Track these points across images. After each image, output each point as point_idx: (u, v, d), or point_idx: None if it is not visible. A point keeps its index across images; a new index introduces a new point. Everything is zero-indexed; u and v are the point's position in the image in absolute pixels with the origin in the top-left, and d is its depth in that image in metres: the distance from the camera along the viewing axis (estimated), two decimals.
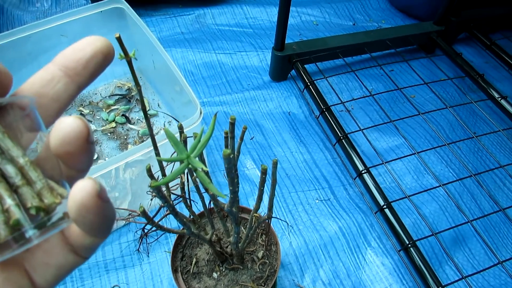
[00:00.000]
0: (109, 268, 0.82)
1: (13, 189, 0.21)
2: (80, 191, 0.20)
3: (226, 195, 0.38)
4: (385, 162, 0.92)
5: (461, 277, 0.77)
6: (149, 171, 0.47)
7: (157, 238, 0.85)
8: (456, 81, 1.19)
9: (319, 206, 0.93)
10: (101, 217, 0.21)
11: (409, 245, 0.79)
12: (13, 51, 0.89)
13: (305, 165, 1.00)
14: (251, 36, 1.33)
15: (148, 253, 0.84)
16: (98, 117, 1.06)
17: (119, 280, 0.81)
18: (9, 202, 0.21)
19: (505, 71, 1.23)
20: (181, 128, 0.52)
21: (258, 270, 0.69)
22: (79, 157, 0.22)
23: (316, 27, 1.39)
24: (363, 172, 0.89)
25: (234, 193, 0.45)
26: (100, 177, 0.72)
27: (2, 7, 1.34)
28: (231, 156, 0.35)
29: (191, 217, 0.65)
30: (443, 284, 0.75)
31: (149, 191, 0.67)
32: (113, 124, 1.03)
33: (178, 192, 0.61)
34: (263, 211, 0.57)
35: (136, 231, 0.86)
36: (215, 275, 0.69)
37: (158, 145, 0.51)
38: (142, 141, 1.00)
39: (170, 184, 0.60)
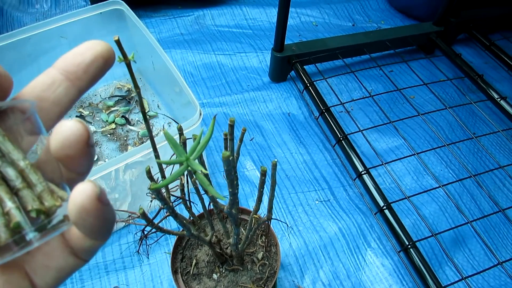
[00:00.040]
0: (109, 270, 0.82)
1: (14, 192, 0.21)
2: (80, 194, 0.20)
3: (225, 196, 0.38)
4: (385, 163, 0.92)
5: (461, 278, 0.78)
6: (148, 173, 0.47)
7: (157, 240, 0.85)
8: (455, 82, 1.19)
9: (319, 207, 0.93)
10: (101, 220, 0.21)
11: (409, 246, 0.79)
12: (13, 53, 0.89)
13: (304, 166, 1.00)
14: (250, 37, 1.33)
15: (148, 255, 0.84)
16: (98, 119, 1.06)
17: (119, 281, 0.81)
18: (9, 205, 0.21)
19: (504, 72, 1.23)
20: (180, 130, 0.52)
21: (258, 271, 0.69)
22: (80, 160, 0.22)
23: (315, 28, 1.39)
24: (362, 173, 0.89)
25: (234, 194, 0.45)
26: (100, 179, 0.72)
27: (2, 8, 1.34)
28: (230, 158, 0.35)
29: (191, 218, 0.65)
30: (443, 285, 0.75)
31: (149, 193, 0.67)
32: (113, 126, 1.03)
33: (178, 193, 0.61)
34: (263, 212, 0.57)
35: (136, 233, 0.86)
36: (215, 276, 0.69)
37: (157, 146, 0.51)
38: (142, 143, 1.00)
39: (170, 186, 0.60)
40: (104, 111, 1.07)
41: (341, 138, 0.95)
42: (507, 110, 1.04)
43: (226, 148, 0.50)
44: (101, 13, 0.95)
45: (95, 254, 0.24)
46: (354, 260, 0.85)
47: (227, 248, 0.70)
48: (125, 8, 0.95)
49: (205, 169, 0.31)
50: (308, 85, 1.06)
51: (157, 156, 0.50)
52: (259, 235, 0.73)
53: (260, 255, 0.71)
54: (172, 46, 1.28)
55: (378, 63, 1.18)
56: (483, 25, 1.28)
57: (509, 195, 0.97)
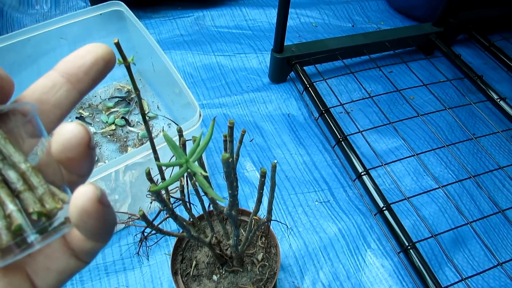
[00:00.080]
0: (109, 271, 0.82)
1: (15, 195, 0.21)
2: (81, 196, 0.20)
3: (225, 198, 0.38)
4: (385, 164, 0.92)
5: (460, 278, 0.78)
6: (148, 174, 0.47)
7: (157, 241, 0.85)
8: (455, 83, 1.19)
9: (319, 208, 0.93)
10: (102, 222, 0.21)
11: (409, 247, 0.79)
12: (13, 54, 0.89)
13: (304, 167, 1.00)
14: (250, 38, 1.33)
15: (148, 256, 0.84)
16: (98, 120, 1.06)
17: (119, 282, 0.81)
18: (11, 207, 0.21)
19: (504, 72, 1.24)
20: (180, 132, 0.52)
21: (258, 272, 0.69)
22: (80, 162, 0.22)
23: (315, 29, 1.39)
24: (362, 174, 0.89)
25: (233, 196, 0.45)
26: (100, 180, 0.72)
27: (2, 9, 1.34)
28: (230, 160, 0.35)
29: (191, 220, 0.65)
30: (442, 286, 0.75)
31: (149, 194, 0.67)
32: (113, 127, 1.04)
33: (178, 195, 0.61)
34: (262, 213, 0.57)
35: (136, 234, 0.86)
36: (215, 277, 0.69)
37: (157, 148, 0.51)
38: (142, 144, 1.01)
39: (170, 187, 0.60)
40: (104, 112, 1.07)
41: (340, 139, 0.95)
42: (506, 110, 1.04)
43: (225, 150, 0.50)
44: (101, 14, 0.95)
45: (96, 256, 0.24)
46: (354, 261, 0.86)
47: (227, 249, 0.70)
48: (125, 9, 0.95)
49: (205, 171, 0.31)
50: (308, 86, 1.06)
51: (156, 158, 0.50)
52: (259, 236, 0.73)
53: (260, 256, 0.71)
54: (172, 47, 1.28)
55: (377, 64, 1.18)
56: (482, 25, 1.28)
57: (508, 195, 0.97)
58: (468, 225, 0.84)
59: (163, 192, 0.57)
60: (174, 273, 0.69)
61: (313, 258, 0.86)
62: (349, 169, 0.97)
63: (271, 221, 0.67)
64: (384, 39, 1.20)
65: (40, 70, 0.96)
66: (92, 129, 1.03)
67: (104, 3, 0.95)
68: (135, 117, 1.07)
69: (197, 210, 0.68)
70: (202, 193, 0.59)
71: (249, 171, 0.99)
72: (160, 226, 0.54)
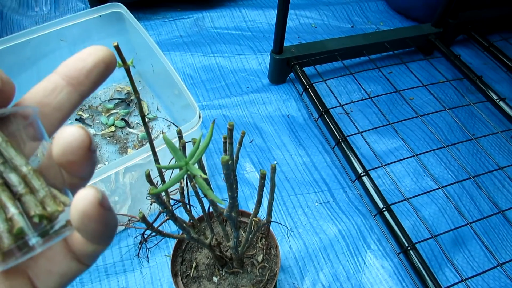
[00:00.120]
0: (109, 273, 0.82)
1: (17, 198, 0.21)
2: (83, 199, 0.20)
3: (225, 200, 0.38)
4: (384, 165, 0.92)
5: (460, 279, 0.78)
6: (148, 176, 0.47)
7: (157, 243, 0.85)
8: (454, 83, 1.19)
9: (319, 209, 0.93)
10: (103, 225, 0.21)
11: (409, 248, 0.79)
12: (12, 56, 0.89)
13: (304, 168, 1.00)
14: (249, 39, 1.33)
15: (148, 258, 0.84)
16: (98, 121, 1.06)
17: (119, 284, 0.81)
18: (12, 210, 0.21)
19: (503, 73, 1.24)
20: (180, 134, 0.52)
21: (258, 273, 0.69)
22: (81, 165, 0.22)
23: (314, 30, 1.39)
24: (362, 174, 0.89)
25: (233, 198, 0.45)
26: (100, 182, 0.72)
27: (1, 11, 1.34)
28: (229, 163, 0.35)
29: (191, 221, 0.65)
30: (442, 287, 0.75)
31: (149, 196, 0.67)
32: (113, 128, 1.04)
33: (177, 196, 0.61)
34: (262, 215, 0.57)
35: (136, 236, 0.86)
36: (215, 279, 0.69)
37: (157, 149, 0.51)
38: (142, 145, 1.01)
39: (170, 189, 0.60)
40: (103, 114, 1.07)
41: (340, 140, 0.95)
42: (506, 111, 1.04)
43: (225, 151, 0.50)
44: (100, 16, 0.95)
45: (97, 259, 0.25)
46: (354, 262, 0.86)
47: (227, 251, 0.70)
48: (124, 11, 0.95)
49: (205, 173, 0.31)
50: (307, 87, 1.06)
51: (156, 161, 0.50)
52: (259, 238, 0.73)
53: (260, 258, 0.71)
54: (172, 49, 1.28)
55: (377, 64, 1.18)
56: (481, 26, 1.28)
57: (508, 196, 0.97)
58: (468, 225, 0.84)
59: (163, 194, 0.57)
60: (174, 275, 0.69)
61: (313, 259, 0.86)
62: (348, 170, 0.97)
63: (271, 223, 0.67)
64: (383, 39, 1.21)
65: (39, 72, 0.96)
66: (92, 131, 1.03)
67: (103, 5, 0.95)
68: (135, 119, 1.07)
69: (197, 212, 0.68)
70: (202, 195, 0.59)
71: (249, 172, 0.99)
72: (160, 228, 0.54)
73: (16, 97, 0.24)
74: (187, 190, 0.61)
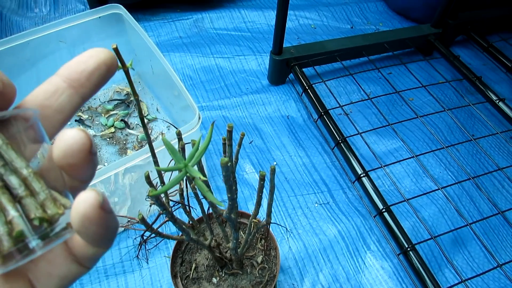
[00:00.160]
0: (108, 274, 0.82)
1: (17, 200, 0.21)
2: (83, 202, 0.20)
3: (224, 201, 0.38)
4: (384, 166, 0.92)
5: (460, 280, 0.78)
6: (147, 178, 0.47)
7: (156, 245, 0.85)
8: (454, 84, 1.20)
9: (318, 210, 0.93)
10: (104, 228, 0.21)
11: (408, 249, 0.79)
12: (12, 58, 0.89)
13: (304, 169, 1.00)
14: (249, 40, 1.33)
15: (148, 259, 0.84)
16: (97, 122, 1.06)
17: (119, 285, 0.81)
18: (12, 213, 0.21)
19: (503, 73, 1.24)
20: (179, 135, 0.52)
21: (257, 275, 0.69)
22: (82, 168, 0.22)
23: (314, 31, 1.39)
24: (361, 175, 0.89)
25: (233, 200, 0.45)
26: (100, 183, 0.72)
27: (1, 13, 1.34)
28: (228, 165, 0.35)
29: (190, 223, 0.65)
30: None
31: (148, 198, 0.67)
32: (112, 129, 1.04)
33: (177, 198, 0.61)
34: (262, 216, 0.57)
35: (135, 238, 0.86)
36: (214, 280, 0.69)
37: (156, 151, 0.51)
38: (141, 146, 1.01)
39: (169, 191, 0.60)
40: (103, 115, 1.07)
41: (340, 141, 0.95)
42: (505, 112, 1.05)
43: (224, 153, 0.50)
44: (100, 17, 0.95)
45: (97, 261, 0.25)
46: (353, 263, 0.86)
47: (226, 252, 0.70)
48: (124, 12, 0.95)
49: (204, 175, 0.31)
50: (307, 87, 1.06)
51: (155, 163, 0.50)
52: (259, 239, 0.73)
53: (259, 259, 0.71)
54: (171, 50, 1.28)
55: (376, 65, 1.18)
56: (481, 27, 1.29)
57: (508, 197, 0.97)
58: (468, 226, 0.84)
59: (162, 195, 0.57)
60: (174, 276, 0.69)
61: (312, 260, 0.86)
62: (348, 171, 0.97)
63: (271, 224, 0.67)
64: (382, 40, 1.21)
65: (39, 74, 0.96)
66: (91, 132, 1.03)
67: (103, 6, 0.95)
68: (135, 120, 1.07)
69: (196, 213, 0.68)
70: (201, 196, 0.59)
71: (248, 173, 0.99)
72: (159, 229, 0.54)
73: (16, 99, 0.24)
74: (187, 191, 0.61)
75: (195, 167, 0.32)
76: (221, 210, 0.55)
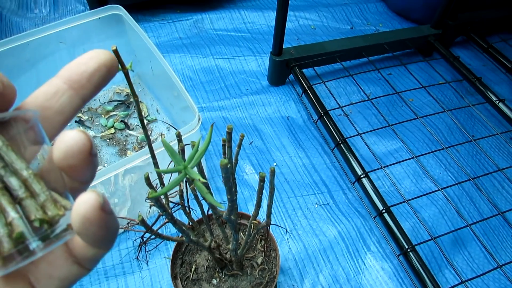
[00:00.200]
0: (108, 275, 0.82)
1: (17, 202, 0.21)
2: (84, 204, 0.20)
3: (224, 202, 0.38)
4: (384, 166, 0.92)
5: (460, 281, 0.78)
6: (147, 179, 0.47)
7: (156, 246, 0.85)
8: (454, 85, 1.20)
9: (318, 211, 0.93)
10: (105, 230, 0.21)
11: (409, 250, 0.79)
12: (12, 58, 0.89)
13: (304, 169, 1.00)
14: (249, 40, 1.33)
15: (147, 261, 0.84)
16: (97, 123, 1.06)
17: (118, 287, 0.81)
18: (12, 215, 0.21)
19: (502, 74, 1.24)
20: (179, 136, 0.52)
21: (257, 276, 0.69)
22: (82, 169, 0.22)
23: (314, 31, 1.39)
24: (361, 176, 0.89)
25: (232, 201, 0.45)
26: (100, 184, 0.72)
27: (1, 13, 1.34)
28: (228, 166, 0.35)
29: (190, 224, 0.65)
30: None
31: (148, 199, 0.67)
32: (112, 130, 1.04)
33: (177, 199, 0.61)
34: (262, 217, 0.57)
35: (135, 239, 0.86)
36: (214, 281, 0.69)
37: (156, 152, 0.51)
38: (141, 147, 1.01)
39: (169, 192, 0.60)
40: (103, 115, 1.07)
41: (340, 142, 0.95)
42: (505, 112, 1.05)
43: (224, 154, 0.50)
44: (99, 18, 0.95)
45: (98, 263, 0.24)
46: (353, 263, 0.86)
47: (226, 253, 0.70)
48: (124, 13, 0.95)
49: (204, 177, 0.31)
50: (307, 88, 1.06)
51: (155, 164, 0.50)
52: (259, 240, 0.73)
53: (259, 260, 0.71)
54: (171, 50, 1.28)
55: (376, 66, 1.18)
56: (481, 27, 1.29)
57: (508, 197, 0.97)
58: (468, 227, 0.84)
59: (162, 197, 0.57)
60: (174, 277, 0.69)
61: (312, 261, 0.86)
62: (348, 171, 0.97)
63: (271, 225, 0.67)
64: (382, 41, 1.21)
65: (39, 74, 0.96)
66: (91, 133, 1.03)
67: (103, 7, 0.95)
68: (135, 121, 1.07)
69: (196, 214, 0.68)
70: (201, 198, 0.59)
71: (248, 174, 0.99)
72: (159, 230, 0.54)
73: (16, 100, 0.24)
74: (187, 192, 0.61)
75: (195, 169, 0.32)
76: (221, 212, 0.55)
